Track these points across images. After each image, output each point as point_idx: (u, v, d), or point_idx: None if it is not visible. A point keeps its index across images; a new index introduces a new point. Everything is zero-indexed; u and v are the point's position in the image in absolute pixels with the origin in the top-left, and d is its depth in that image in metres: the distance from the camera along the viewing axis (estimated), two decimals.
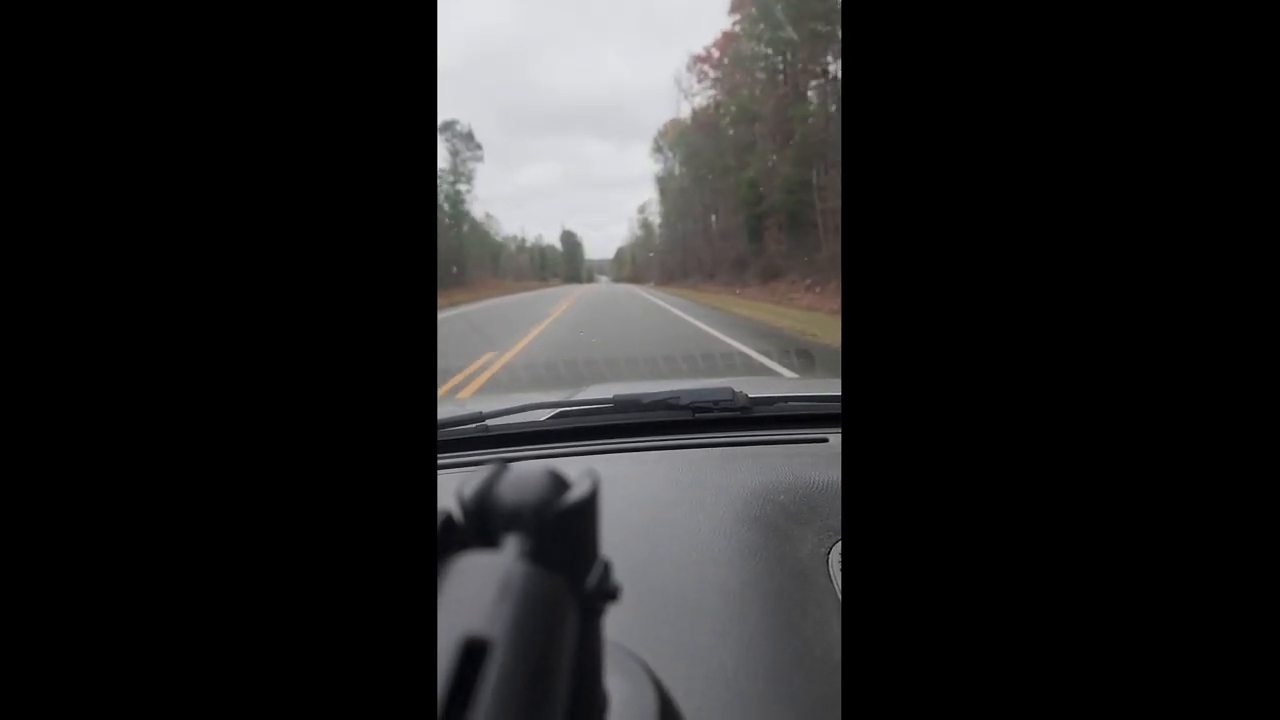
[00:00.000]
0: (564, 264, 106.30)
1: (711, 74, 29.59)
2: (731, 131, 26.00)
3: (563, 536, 0.21)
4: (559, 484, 0.22)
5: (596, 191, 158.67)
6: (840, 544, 0.57)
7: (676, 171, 41.26)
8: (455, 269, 32.89)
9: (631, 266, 79.84)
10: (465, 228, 41.08)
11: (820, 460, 0.75)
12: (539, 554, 0.20)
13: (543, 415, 0.92)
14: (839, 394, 0.89)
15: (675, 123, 38.46)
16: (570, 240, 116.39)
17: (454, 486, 0.22)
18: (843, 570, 0.53)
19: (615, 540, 0.25)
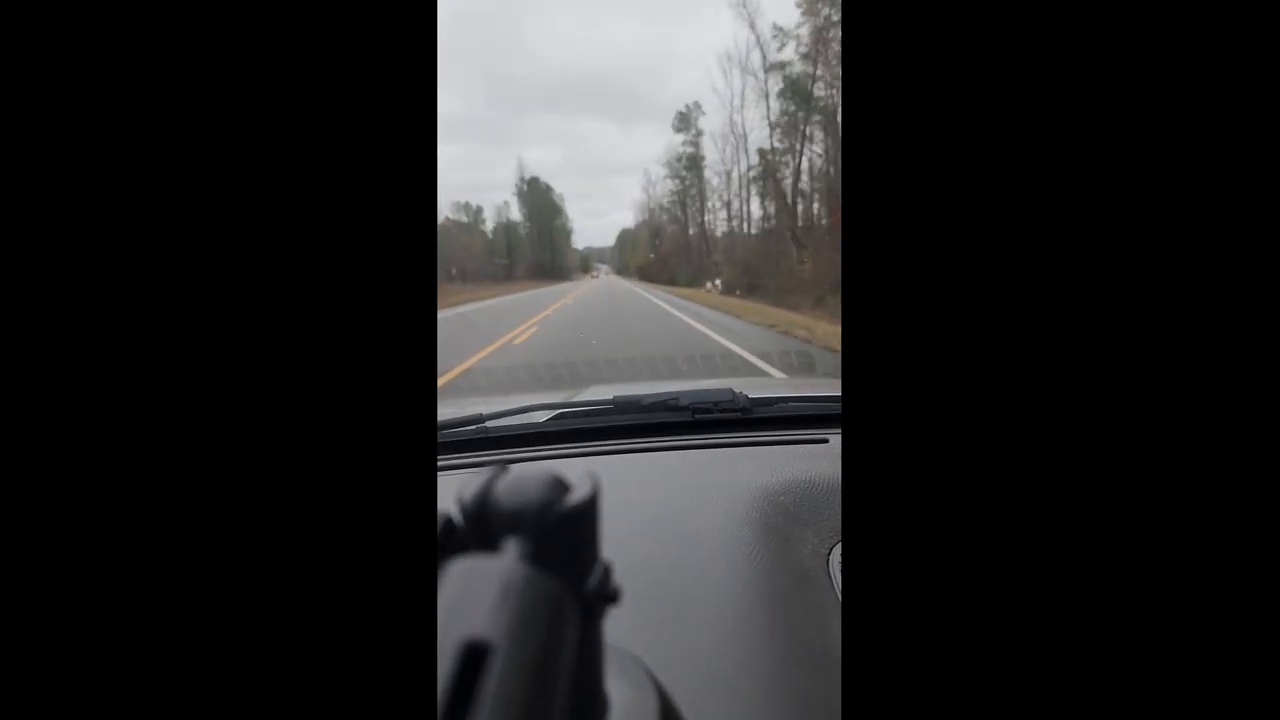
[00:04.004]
0: (531, 246, 63.73)
1: None
2: None
3: (563, 539, 0.21)
4: (559, 486, 0.22)
5: (597, 177, 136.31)
6: (841, 544, 0.57)
7: None
8: None
9: (651, 247, 50.05)
10: None
11: (820, 460, 0.75)
12: (539, 556, 0.20)
13: (542, 416, 0.92)
14: (839, 394, 0.89)
15: None
16: (538, 197, 65.38)
17: (454, 489, 0.22)
18: (843, 571, 0.53)
19: (615, 542, 0.25)
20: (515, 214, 66.95)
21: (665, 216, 45.51)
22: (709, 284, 24.65)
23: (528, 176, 68.91)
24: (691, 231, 38.31)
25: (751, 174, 27.88)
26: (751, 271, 21.17)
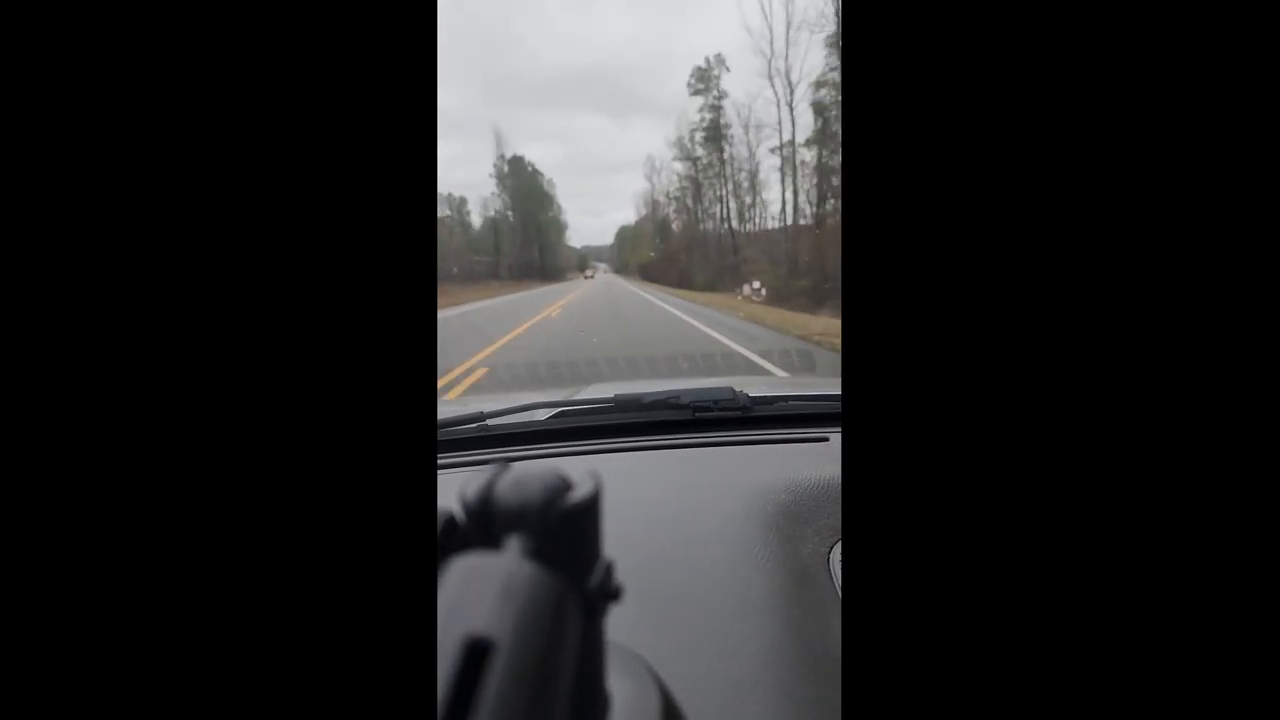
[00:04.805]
0: (514, 241, 48.65)
1: None
2: None
3: (565, 537, 0.21)
4: (561, 484, 0.22)
5: (596, 175, 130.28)
6: (840, 543, 0.57)
7: None
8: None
9: (653, 245, 41.96)
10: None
11: (820, 459, 0.76)
12: (541, 554, 0.20)
13: (543, 415, 0.92)
14: (839, 393, 0.89)
15: None
16: (523, 182, 50.28)
17: (456, 487, 0.23)
18: (843, 569, 0.53)
19: (616, 540, 0.25)
20: (500, 203, 51.08)
21: (673, 207, 36.45)
22: (746, 287, 17.84)
23: (509, 155, 51.39)
24: (710, 225, 29.64)
25: (805, 141, 20.07)
26: (800, 271, 16.12)
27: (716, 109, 28.75)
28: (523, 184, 50.95)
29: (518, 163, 51.70)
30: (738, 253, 25.58)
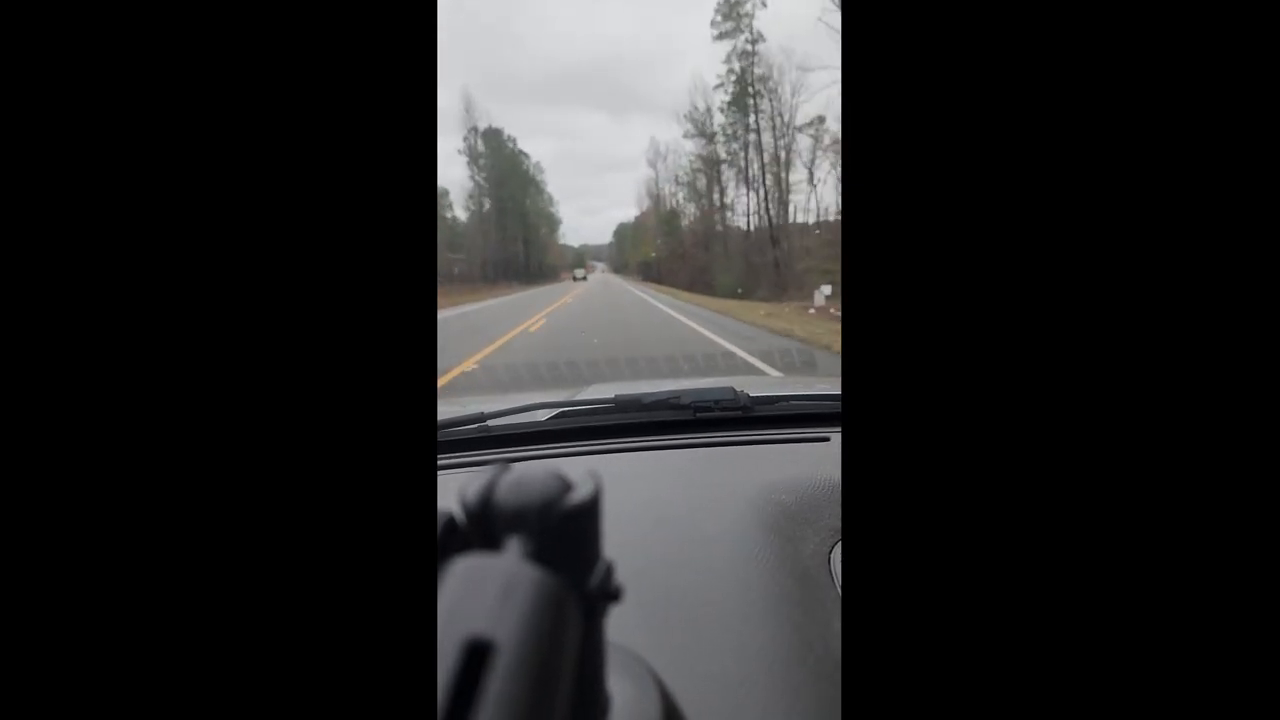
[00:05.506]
0: (488, 233, 37.54)
1: None
2: None
3: (565, 537, 0.21)
4: (562, 485, 0.22)
5: (595, 173, 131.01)
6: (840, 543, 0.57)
7: None
8: None
9: (655, 240, 35.53)
10: None
11: (821, 460, 0.75)
12: (542, 555, 0.20)
13: (544, 415, 0.92)
14: (840, 393, 0.89)
15: None
16: (501, 161, 38.95)
17: (456, 487, 0.23)
18: (843, 570, 0.53)
19: (616, 540, 0.25)
20: (489, 196, 39.42)
21: (683, 194, 29.38)
22: (818, 295, 12.36)
23: (481, 126, 38.59)
24: (731, 215, 23.37)
25: None
26: None
27: (749, 57, 21.89)
28: (501, 163, 39.76)
29: (494, 137, 40.27)
30: (778, 245, 19.59)
